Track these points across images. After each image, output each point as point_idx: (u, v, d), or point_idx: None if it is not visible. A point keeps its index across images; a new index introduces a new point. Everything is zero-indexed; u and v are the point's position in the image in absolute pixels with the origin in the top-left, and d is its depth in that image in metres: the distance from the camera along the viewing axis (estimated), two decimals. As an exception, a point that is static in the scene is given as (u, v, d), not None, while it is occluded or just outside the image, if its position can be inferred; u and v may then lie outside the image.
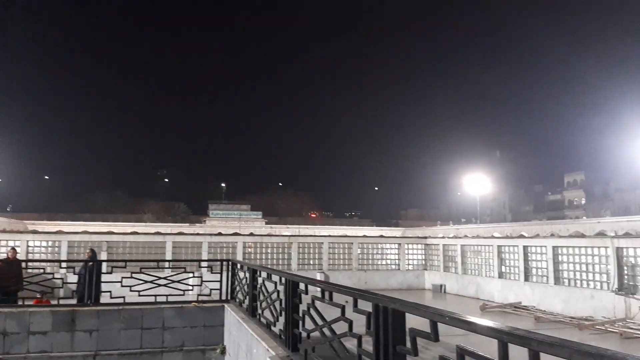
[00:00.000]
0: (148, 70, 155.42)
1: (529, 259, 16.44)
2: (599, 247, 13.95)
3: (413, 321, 3.73)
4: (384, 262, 22.28)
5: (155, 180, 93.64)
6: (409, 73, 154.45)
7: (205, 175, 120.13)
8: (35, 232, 21.75)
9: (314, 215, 79.36)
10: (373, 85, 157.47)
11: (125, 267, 11.20)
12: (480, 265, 19.00)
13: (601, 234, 15.05)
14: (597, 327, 11.61)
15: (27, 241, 18.52)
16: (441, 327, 3.21)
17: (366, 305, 4.31)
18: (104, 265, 11.74)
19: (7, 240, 18.34)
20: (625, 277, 13.03)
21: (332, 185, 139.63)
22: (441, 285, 20.37)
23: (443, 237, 23.10)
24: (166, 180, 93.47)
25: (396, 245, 22.54)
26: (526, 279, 16.34)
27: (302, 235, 23.64)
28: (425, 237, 23.67)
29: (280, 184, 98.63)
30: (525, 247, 16.60)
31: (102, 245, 18.71)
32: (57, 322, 10.39)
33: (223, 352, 10.60)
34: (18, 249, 17.87)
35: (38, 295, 11.63)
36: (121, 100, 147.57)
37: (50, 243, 18.73)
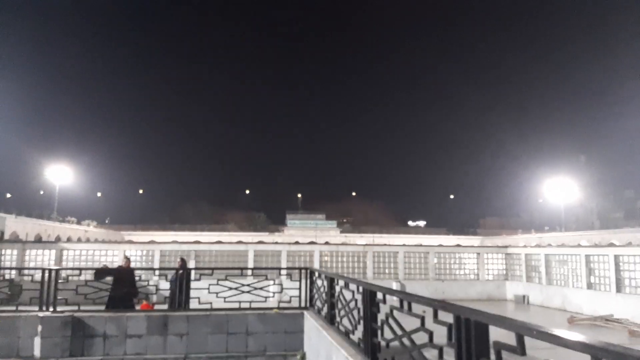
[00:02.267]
0: (227, 89, 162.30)
1: (621, 268, 15.40)
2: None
3: (495, 333, 3.67)
4: (462, 272, 21.74)
5: (237, 192, 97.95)
6: (485, 73, 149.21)
7: (282, 186, 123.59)
8: (130, 242, 23.64)
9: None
10: (448, 88, 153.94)
11: (211, 275, 11.89)
12: (566, 276, 18.01)
13: None
14: (703, 345, 10.67)
15: (124, 250, 20.08)
16: (526, 339, 3.12)
17: (447, 317, 4.26)
18: (193, 272, 12.53)
19: (106, 250, 20.03)
20: None
21: (406, 194, 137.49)
22: (524, 296, 19.53)
23: (525, 246, 22.17)
24: (247, 191, 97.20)
25: (475, 255, 21.92)
26: (618, 290, 15.31)
27: (377, 245, 23.64)
28: (506, 247, 22.82)
29: (354, 194, 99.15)
30: (616, 257, 15.57)
31: (190, 254, 19.90)
32: (151, 326, 11.18)
33: (303, 358, 10.90)
34: (116, 258, 19.51)
35: (144, 301, 12.71)
36: (206, 118, 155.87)
37: (144, 252, 20.21)
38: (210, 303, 11.51)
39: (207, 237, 30.82)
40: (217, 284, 11.43)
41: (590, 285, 16.65)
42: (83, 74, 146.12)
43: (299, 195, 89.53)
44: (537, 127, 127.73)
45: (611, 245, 17.15)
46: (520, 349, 3.16)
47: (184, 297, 11.85)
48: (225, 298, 11.48)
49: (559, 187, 53.22)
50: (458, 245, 25.04)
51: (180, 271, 12.58)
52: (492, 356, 3.58)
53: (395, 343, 5.65)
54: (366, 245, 22.65)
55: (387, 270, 21.32)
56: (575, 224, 63.98)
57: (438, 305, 4.62)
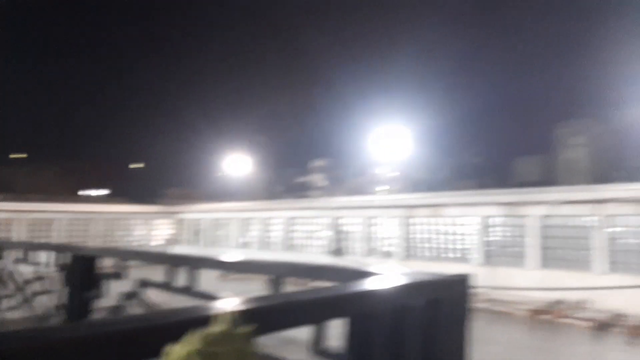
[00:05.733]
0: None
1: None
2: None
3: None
4: (130, 238, 21.78)
5: None
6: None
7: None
8: None
9: None
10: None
11: None
12: (227, 237, 20.32)
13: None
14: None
15: None
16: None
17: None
18: None
19: None
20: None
21: (80, 163, 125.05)
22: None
23: (191, 212, 23.81)
24: None
25: (143, 221, 22.18)
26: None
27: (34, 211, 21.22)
28: (177, 213, 23.95)
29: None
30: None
31: None
32: None
33: None
34: None
35: None
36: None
37: None
38: None
39: None
40: None
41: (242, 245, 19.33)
42: None
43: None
44: (220, 109, 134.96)
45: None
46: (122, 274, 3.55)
47: None
48: None
49: (238, 163, 61.09)
50: (126, 213, 24.85)
51: None
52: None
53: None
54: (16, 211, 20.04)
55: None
56: (251, 195, 72.36)
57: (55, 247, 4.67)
